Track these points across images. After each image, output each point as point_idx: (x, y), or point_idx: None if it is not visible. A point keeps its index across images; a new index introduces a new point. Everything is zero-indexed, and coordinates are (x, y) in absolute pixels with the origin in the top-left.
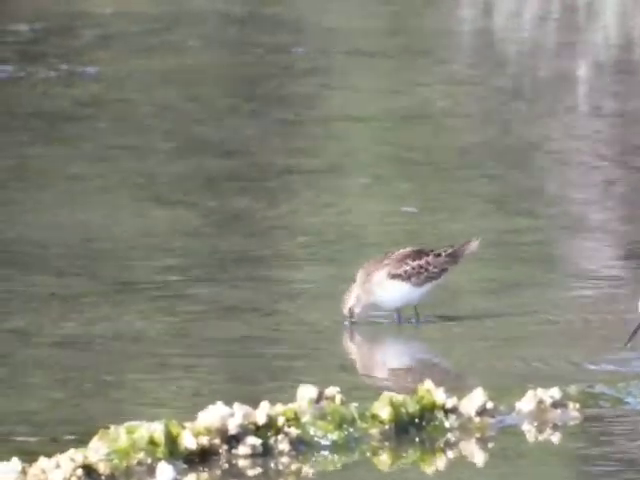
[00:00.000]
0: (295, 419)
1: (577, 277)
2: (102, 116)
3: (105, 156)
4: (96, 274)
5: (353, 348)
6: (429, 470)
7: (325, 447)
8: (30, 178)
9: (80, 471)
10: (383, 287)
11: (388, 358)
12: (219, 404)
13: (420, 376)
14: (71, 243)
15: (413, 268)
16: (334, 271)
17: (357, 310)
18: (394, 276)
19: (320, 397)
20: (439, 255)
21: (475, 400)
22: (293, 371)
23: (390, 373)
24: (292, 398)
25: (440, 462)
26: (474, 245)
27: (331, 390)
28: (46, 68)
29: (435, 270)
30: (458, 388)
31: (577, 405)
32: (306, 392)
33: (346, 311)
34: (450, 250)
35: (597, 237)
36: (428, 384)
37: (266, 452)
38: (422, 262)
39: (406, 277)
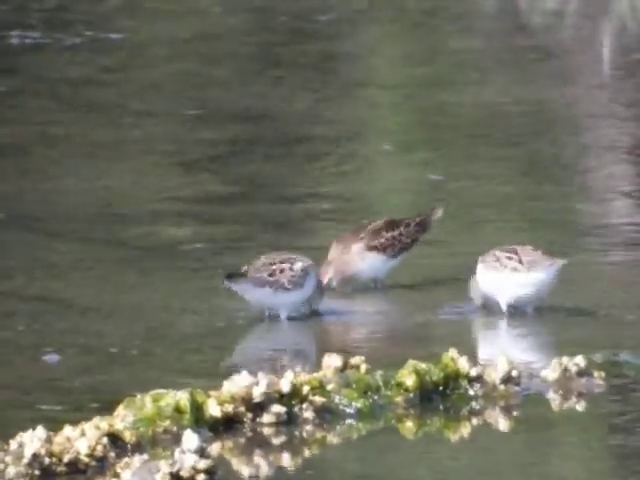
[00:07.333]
0: (320, 387)
1: (604, 243)
2: (127, 82)
3: (130, 122)
4: (120, 241)
5: (377, 316)
6: (453, 438)
7: (350, 415)
8: (55, 144)
9: (105, 439)
10: (362, 259)
11: (412, 326)
12: (244, 373)
13: (444, 344)
14: (95, 209)
15: (387, 239)
16: None
17: (334, 284)
18: (371, 248)
19: (345, 366)
20: (409, 225)
21: (500, 368)
22: (317, 339)
23: (414, 341)
24: (317, 367)
25: (464, 430)
26: (439, 212)
27: (356, 359)
28: (71, 35)
29: (407, 240)
30: (482, 356)
31: (602, 373)
32: (331, 361)
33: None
34: (418, 219)
35: (624, 204)
36: (452, 352)
37: (291, 420)
38: (396, 234)
39: (382, 249)
